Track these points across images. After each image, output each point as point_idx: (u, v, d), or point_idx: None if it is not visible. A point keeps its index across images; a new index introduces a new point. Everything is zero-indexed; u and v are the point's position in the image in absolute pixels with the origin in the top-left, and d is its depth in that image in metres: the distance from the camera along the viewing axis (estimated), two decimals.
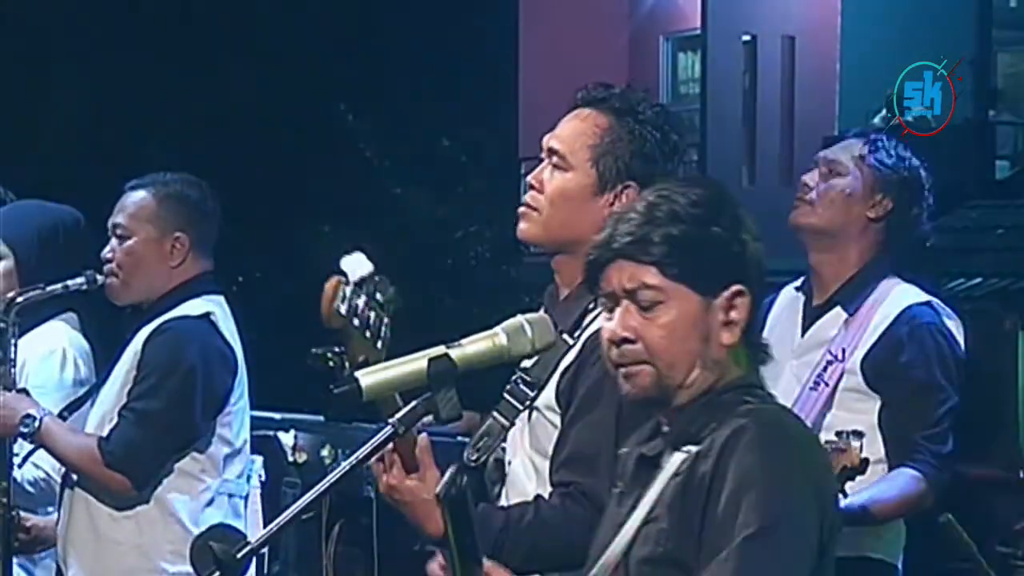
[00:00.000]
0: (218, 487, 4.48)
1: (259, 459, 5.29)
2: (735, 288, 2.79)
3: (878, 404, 4.25)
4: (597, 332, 3.29)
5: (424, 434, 3.07)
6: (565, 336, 3.40)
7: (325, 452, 6.42)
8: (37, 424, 4.39)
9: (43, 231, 4.81)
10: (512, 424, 3.47)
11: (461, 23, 15.92)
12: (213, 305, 4.51)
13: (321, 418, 6.71)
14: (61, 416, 4.52)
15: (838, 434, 3.91)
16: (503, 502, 3.45)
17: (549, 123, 3.62)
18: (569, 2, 15.03)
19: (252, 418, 4.66)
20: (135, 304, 4.55)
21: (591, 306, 3.38)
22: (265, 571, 5.82)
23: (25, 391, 4.54)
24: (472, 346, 2.79)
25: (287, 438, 6.52)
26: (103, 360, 4.73)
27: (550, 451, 3.38)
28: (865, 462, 3.88)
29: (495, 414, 3.48)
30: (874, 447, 4.14)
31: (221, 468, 4.48)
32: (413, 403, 2.72)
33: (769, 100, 13.69)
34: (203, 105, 15.84)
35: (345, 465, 2.69)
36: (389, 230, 15.31)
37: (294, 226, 15.84)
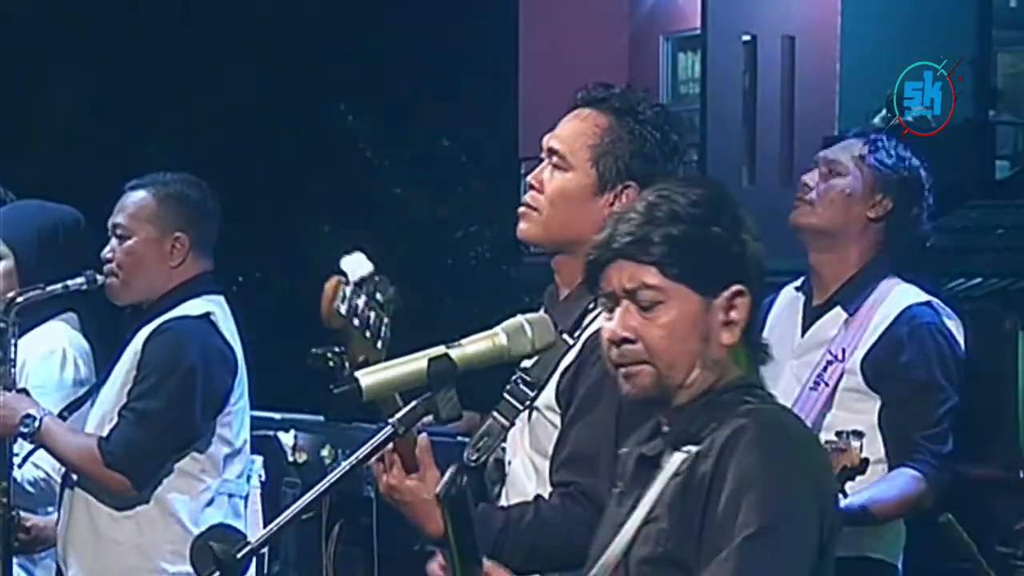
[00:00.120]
0: (218, 487, 4.48)
1: (259, 459, 5.29)
2: (735, 288, 2.79)
3: (878, 404, 4.25)
4: (597, 332, 3.29)
5: (424, 434, 3.07)
6: (565, 336, 3.40)
7: (325, 452, 6.42)
8: (37, 424, 4.39)
9: (43, 231, 4.81)
10: (512, 424, 3.47)
11: (461, 23, 15.91)
12: (213, 305, 4.51)
13: (321, 418, 6.71)
14: (61, 416, 4.52)
15: (838, 434, 3.91)
16: (503, 502, 3.45)
17: (549, 123, 3.62)
18: (569, 2, 15.02)
19: (252, 418, 4.66)
20: (135, 304, 4.55)
21: (591, 306, 3.38)
22: (265, 571, 5.82)
23: (25, 391, 4.54)
24: (472, 346, 2.79)
25: (287, 438, 6.52)
26: (103, 360, 4.73)
27: (550, 451, 3.38)
28: (865, 462, 3.88)
29: (495, 414, 3.48)
30: (874, 447, 4.14)
31: (221, 468, 4.48)
32: (413, 403, 2.73)
33: (769, 100, 13.67)
34: (203, 105, 15.83)
35: (345, 465, 2.70)
36: (389, 230, 15.30)
37: (294, 226, 15.83)
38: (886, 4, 12.75)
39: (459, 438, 4.54)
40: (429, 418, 2.75)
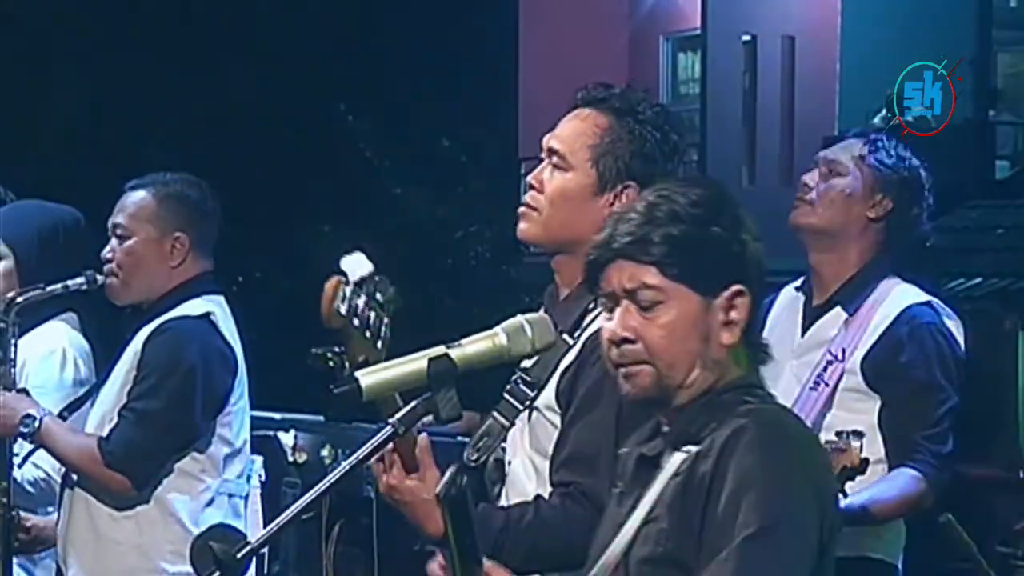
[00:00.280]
0: (218, 487, 4.48)
1: (259, 459, 5.29)
2: (735, 288, 2.79)
3: (878, 404, 4.25)
4: (597, 332, 3.29)
5: (424, 434, 3.07)
6: (565, 336, 3.40)
7: (325, 452, 6.41)
8: (37, 424, 4.39)
9: (43, 231, 4.81)
10: (512, 424, 3.46)
11: (461, 23, 15.91)
12: (213, 305, 4.51)
13: (321, 418, 6.71)
14: (61, 416, 4.52)
15: (838, 434, 3.91)
16: (503, 502, 3.45)
17: (549, 123, 3.62)
18: (569, 2, 15.01)
19: (252, 418, 4.66)
20: (135, 304, 4.55)
21: (591, 306, 3.38)
22: (265, 571, 5.82)
23: (25, 391, 4.54)
24: (472, 346, 2.79)
25: (287, 438, 6.52)
26: (103, 360, 4.73)
27: (550, 451, 3.38)
28: (865, 462, 3.88)
29: (495, 414, 3.48)
30: (874, 447, 4.14)
31: (221, 468, 4.48)
32: (413, 403, 2.73)
33: (769, 100, 13.67)
34: (203, 105, 15.83)
35: (345, 465, 2.69)
36: (389, 230, 15.30)
37: (294, 226, 15.83)
38: (886, 4, 12.75)
39: (459, 438, 4.54)
40: (429, 418, 2.75)
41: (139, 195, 4.55)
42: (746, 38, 13.76)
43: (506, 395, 3.47)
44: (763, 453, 2.67)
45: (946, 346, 4.27)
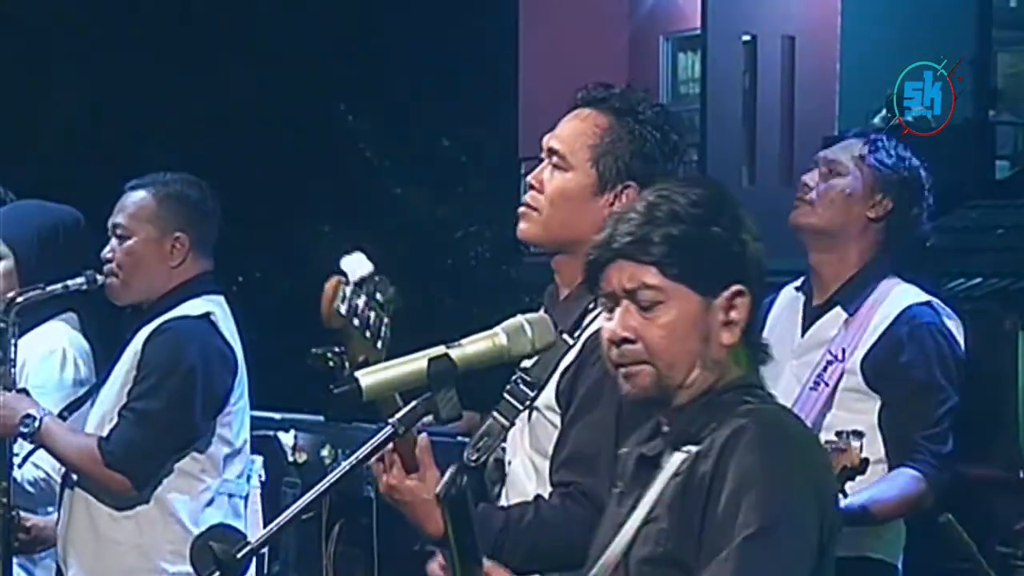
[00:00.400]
0: (218, 487, 4.48)
1: (259, 459, 5.29)
2: (735, 288, 2.79)
3: (878, 404, 4.25)
4: (597, 332, 3.29)
5: (424, 434, 3.07)
6: (565, 336, 3.40)
7: (325, 452, 6.41)
8: (37, 424, 4.39)
9: (43, 231, 4.81)
10: (512, 424, 3.46)
11: (461, 23, 15.91)
12: (213, 305, 4.50)
13: (321, 418, 6.71)
14: (61, 416, 4.52)
15: (838, 434, 3.91)
16: (503, 502, 3.45)
17: (549, 123, 3.62)
18: (569, 2, 15.01)
19: (252, 418, 4.66)
20: (135, 304, 4.55)
21: (591, 306, 3.38)
22: (265, 571, 5.82)
23: (25, 391, 4.54)
24: (472, 346, 2.79)
25: (287, 438, 6.52)
26: (103, 360, 4.73)
27: (550, 451, 3.38)
28: (865, 462, 3.87)
29: (495, 414, 3.48)
30: (874, 447, 4.13)
31: (221, 468, 4.48)
32: (413, 403, 2.73)
33: (769, 100, 13.67)
34: (203, 105, 15.83)
35: (345, 465, 2.69)
36: (389, 230, 15.30)
37: (294, 226, 15.83)
38: (886, 4, 12.75)
39: (459, 438, 4.54)
40: (429, 418, 2.75)
41: (139, 195, 4.55)
42: (746, 38, 13.76)
43: (506, 395, 3.47)
44: (763, 453, 2.67)
45: (946, 346, 4.27)
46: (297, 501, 2.68)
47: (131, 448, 4.35)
